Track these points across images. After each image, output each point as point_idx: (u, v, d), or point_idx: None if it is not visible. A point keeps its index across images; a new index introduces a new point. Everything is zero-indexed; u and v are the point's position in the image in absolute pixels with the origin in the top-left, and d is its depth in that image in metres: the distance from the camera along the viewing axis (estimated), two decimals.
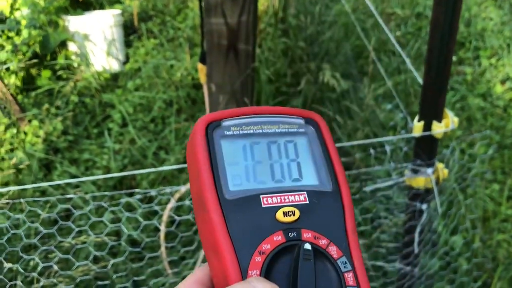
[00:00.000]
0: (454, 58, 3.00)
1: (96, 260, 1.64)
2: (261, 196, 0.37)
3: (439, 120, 1.35)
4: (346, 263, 0.36)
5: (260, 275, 0.34)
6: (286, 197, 0.37)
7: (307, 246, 0.35)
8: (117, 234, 1.75)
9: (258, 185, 0.38)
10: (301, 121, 0.41)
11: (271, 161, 0.39)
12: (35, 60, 2.79)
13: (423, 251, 1.65)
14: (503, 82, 2.89)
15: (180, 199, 1.78)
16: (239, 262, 0.34)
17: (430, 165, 1.43)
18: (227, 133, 0.39)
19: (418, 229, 1.50)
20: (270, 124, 0.40)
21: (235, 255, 0.35)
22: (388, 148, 1.38)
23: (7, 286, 1.39)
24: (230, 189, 0.37)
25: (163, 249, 1.61)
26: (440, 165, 1.45)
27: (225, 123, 0.40)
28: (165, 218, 1.53)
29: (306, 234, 0.36)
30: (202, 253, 1.63)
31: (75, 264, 1.39)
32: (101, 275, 1.59)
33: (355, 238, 0.37)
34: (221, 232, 0.35)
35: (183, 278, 1.71)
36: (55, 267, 1.39)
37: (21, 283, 1.41)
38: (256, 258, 0.35)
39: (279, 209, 0.36)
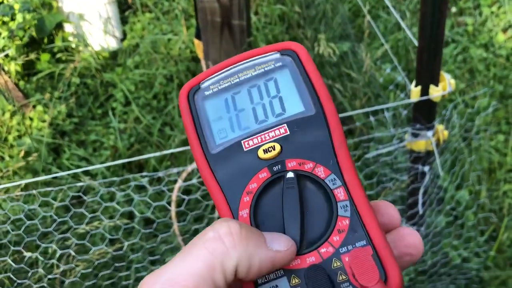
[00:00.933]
0: (454, 9, 2.95)
1: (112, 242, 1.70)
2: (242, 141, 0.38)
3: (436, 83, 1.35)
4: (335, 179, 0.36)
5: (249, 213, 0.36)
6: (266, 135, 0.38)
7: (290, 174, 0.36)
8: (130, 216, 1.80)
9: (241, 132, 0.39)
10: (277, 55, 0.41)
11: (253, 104, 0.40)
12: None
13: (428, 210, 1.68)
14: (505, 30, 2.85)
15: (189, 174, 1.82)
16: (230, 205, 0.37)
17: (430, 128, 1.44)
18: (207, 93, 0.40)
19: (421, 191, 1.53)
20: (245, 70, 0.41)
21: (225, 200, 0.37)
22: (387, 115, 1.39)
23: (29, 273, 1.45)
24: (216, 143, 0.38)
25: (175, 226, 1.65)
26: (440, 127, 1.47)
27: (204, 84, 0.41)
28: (174, 197, 1.57)
29: (291, 163, 0.37)
30: None
31: (91, 248, 1.45)
32: (118, 256, 1.65)
33: (344, 152, 0.37)
34: (211, 184, 0.37)
35: None
36: (73, 253, 1.45)
37: (42, 270, 1.47)
38: (244, 198, 0.37)
39: (259, 148, 0.38)
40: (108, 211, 1.76)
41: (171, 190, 1.62)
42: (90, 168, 1.44)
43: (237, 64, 0.41)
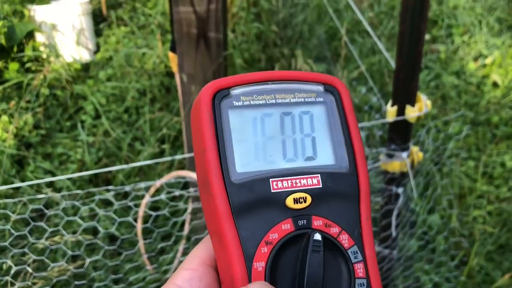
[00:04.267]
0: (427, 37, 3.01)
1: (74, 258, 1.62)
2: (270, 180, 0.34)
3: (412, 104, 1.35)
4: (357, 253, 0.34)
5: (265, 268, 0.32)
6: (297, 181, 0.34)
7: (317, 236, 0.33)
8: (94, 231, 1.72)
9: (268, 165, 0.34)
10: (320, 88, 0.37)
11: (284, 136, 0.35)
12: None
13: (401, 233, 1.66)
14: (475, 59, 2.91)
15: (158, 190, 1.75)
16: (244, 252, 0.32)
17: (404, 149, 1.43)
18: (236, 103, 0.35)
19: (395, 213, 1.51)
20: (285, 92, 0.36)
21: (240, 244, 0.32)
22: (362, 135, 1.37)
23: None
24: (238, 171, 0.33)
25: (141, 244, 1.59)
26: (414, 149, 1.46)
27: (234, 91, 0.35)
28: (140, 213, 1.50)
29: (317, 222, 0.34)
30: (181, 246, 1.61)
31: (50, 265, 1.37)
32: (79, 273, 1.56)
33: (368, 225, 0.35)
34: (226, 219, 0.32)
35: (164, 272, 1.69)
36: (30, 270, 1.36)
37: None
38: (262, 248, 0.32)
39: (289, 194, 0.34)
40: (71, 226, 1.68)
41: (138, 206, 1.56)
42: (54, 179, 1.37)
43: (279, 81, 0.36)
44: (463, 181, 2.36)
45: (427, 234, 1.86)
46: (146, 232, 1.65)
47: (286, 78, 0.37)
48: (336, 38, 2.73)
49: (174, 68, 1.88)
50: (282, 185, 0.34)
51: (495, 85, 2.80)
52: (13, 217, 1.38)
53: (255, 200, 0.33)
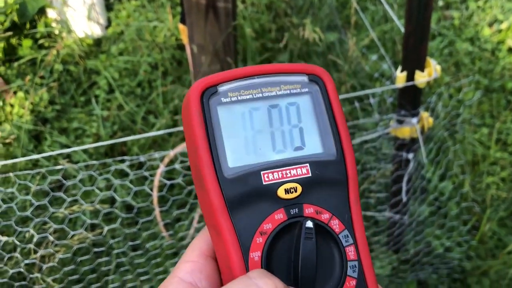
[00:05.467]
0: (441, 3, 2.96)
1: (92, 227, 1.67)
2: (261, 172, 0.35)
3: (422, 69, 1.35)
4: (347, 236, 0.35)
5: (261, 257, 0.34)
6: (288, 172, 0.36)
7: (309, 224, 0.34)
8: (111, 201, 1.77)
9: (258, 158, 0.36)
10: (305, 79, 0.38)
11: (272, 128, 0.37)
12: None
13: (412, 198, 1.68)
14: (490, 24, 2.86)
15: (172, 161, 1.79)
16: (240, 243, 0.34)
17: (414, 115, 1.44)
18: (224, 100, 0.36)
19: (405, 178, 1.53)
20: (270, 85, 0.38)
21: (236, 237, 0.34)
22: (373, 101, 1.37)
23: (5, 258, 1.41)
24: (230, 166, 0.35)
25: (157, 212, 1.63)
26: (424, 114, 1.46)
27: (222, 88, 0.37)
28: (156, 183, 1.54)
29: (308, 210, 0.35)
30: (197, 214, 1.65)
31: (70, 233, 1.42)
32: (98, 241, 1.62)
33: (357, 209, 0.36)
34: (221, 213, 0.34)
35: (180, 239, 1.73)
36: (51, 238, 1.41)
37: (19, 255, 1.43)
38: (257, 239, 0.34)
39: (280, 185, 0.35)
40: (89, 196, 1.72)
41: (153, 176, 1.60)
42: (70, 150, 1.40)
43: (264, 74, 0.38)
44: (476, 148, 2.35)
45: (438, 200, 1.87)
46: (163, 201, 1.69)
47: (271, 71, 0.38)
48: (347, 7, 2.70)
49: (185, 40, 1.89)
50: (273, 176, 0.35)
51: (510, 50, 2.76)
52: (33, 187, 1.43)
53: (248, 193, 0.35)
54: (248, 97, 0.37)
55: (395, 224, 1.64)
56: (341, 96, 1.43)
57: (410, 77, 1.36)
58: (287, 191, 0.35)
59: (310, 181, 0.36)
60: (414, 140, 1.49)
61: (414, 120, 1.43)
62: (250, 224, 0.34)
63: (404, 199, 1.56)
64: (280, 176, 0.35)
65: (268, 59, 2.44)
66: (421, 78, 1.34)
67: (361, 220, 0.36)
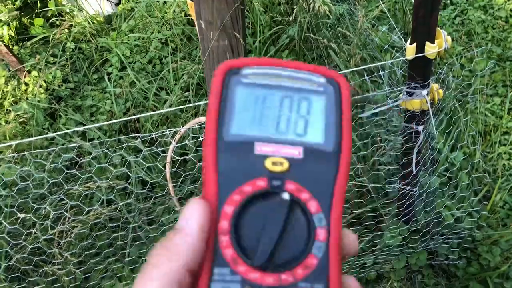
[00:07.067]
0: None
1: (108, 203, 1.71)
2: (255, 142, 0.38)
3: (432, 40, 1.34)
4: (322, 219, 0.36)
5: (233, 213, 0.36)
6: (280, 148, 0.37)
7: (286, 196, 0.36)
8: (126, 177, 1.81)
9: (258, 132, 0.38)
10: (323, 80, 0.41)
11: (280, 113, 0.39)
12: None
13: (422, 170, 1.69)
14: None
15: (184, 138, 1.81)
16: (219, 195, 0.36)
17: (424, 87, 1.43)
18: (244, 80, 0.40)
19: (415, 150, 1.53)
20: (290, 78, 0.40)
21: (217, 188, 0.36)
22: (382, 73, 1.37)
23: (24, 234, 1.46)
24: (231, 133, 0.38)
25: (170, 187, 1.66)
26: (435, 86, 1.46)
27: (245, 71, 0.40)
28: (168, 159, 1.57)
29: (290, 185, 0.37)
30: None
31: (86, 209, 1.46)
32: (114, 217, 1.66)
33: (340, 199, 0.37)
34: (210, 165, 0.36)
35: None
36: (67, 214, 1.46)
37: (37, 231, 1.48)
38: (235, 196, 0.36)
39: (269, 157, 0.37)
40: (104, 173, 1.76)
41: (165, 152, 1.62)
42: (86, 128, 1.43)
43: (286, 68, 0.40)
44: (488, 118, 2.34)
45: (448, 171, 1.87)
46: (176, 177, 1.72)
47: (295, 67, 0.41)
48: None
49: (193, 15, 1.88)
50: (266, 149, 0.37)
51: None
52: (48, 165, 1.47)
53: (238, 156, 0.37)
54: (266, 82, 0.40)
55: (406, 196, 1.66)
56: (351, 69, 1.43)
57: (420, 49, 1.35)
58: (274, 163, 0.37)
59: (300, 162, 0.37)
60: (424, 112, 1.49)
61: (424, 92, 1.43)
62: (232, 182, 0.36)
63: (414, 171, 1.57)
64: (271, 150, 0.37)
65: (277, 32, 2.43)
66: (431, 50, 1.33)
67: (340, 211, 0.37)
